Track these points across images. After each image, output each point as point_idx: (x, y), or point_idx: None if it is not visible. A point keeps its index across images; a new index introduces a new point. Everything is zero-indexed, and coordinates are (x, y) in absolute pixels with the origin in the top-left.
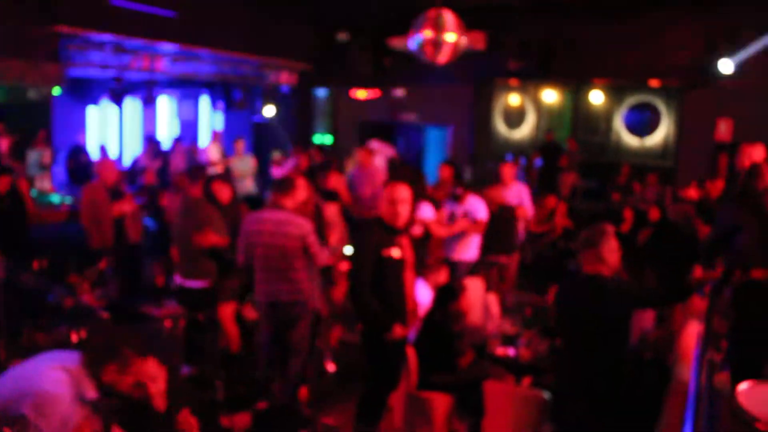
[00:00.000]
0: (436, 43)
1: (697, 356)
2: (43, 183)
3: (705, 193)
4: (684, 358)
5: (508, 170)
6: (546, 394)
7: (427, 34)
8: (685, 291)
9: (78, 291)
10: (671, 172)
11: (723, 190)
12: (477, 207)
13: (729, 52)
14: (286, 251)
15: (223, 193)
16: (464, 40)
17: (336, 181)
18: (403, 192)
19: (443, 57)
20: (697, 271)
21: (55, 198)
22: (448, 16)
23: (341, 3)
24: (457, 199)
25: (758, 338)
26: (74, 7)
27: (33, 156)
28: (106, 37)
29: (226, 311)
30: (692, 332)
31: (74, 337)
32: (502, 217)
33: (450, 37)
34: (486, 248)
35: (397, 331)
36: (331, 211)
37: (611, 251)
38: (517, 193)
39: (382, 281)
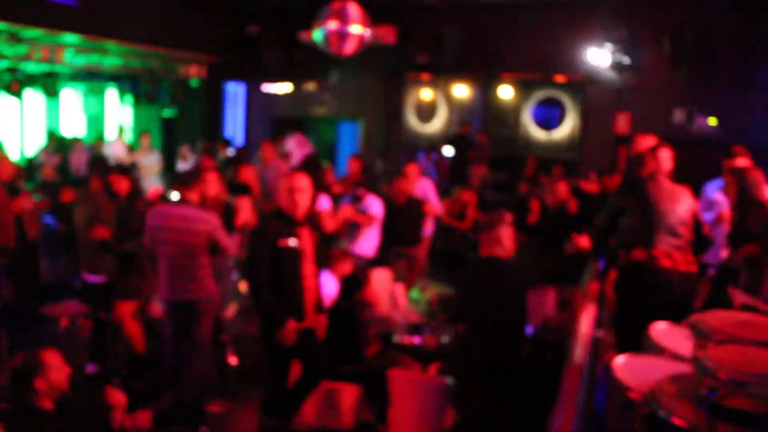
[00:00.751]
0: (341, 35)
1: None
2: None
3: (603, 186)
4: (580, 339)
5: (412, 168)
6: (450, 381)
7: (332, 25)
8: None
9: None
10: (575, 165)
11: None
12: (372, 204)
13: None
14: (193, 248)
15: (121, 185)
16: (369, 32)
17: (247, 175)
18: (301, 181)
19: (348, 49)
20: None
21: None
22: (353, 8)
23: None
24: (357, 200)
25: (639, 314)
26: None
27: None
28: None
29: (125, 310)
30: (589, 314)
31: None
32: (410, 209)
33: (355, 28)
34: (394, 240)
35: (290, 326)
36: (243, 204)
37: (507, 236)
38: (422, 190)
39: (277, 272)
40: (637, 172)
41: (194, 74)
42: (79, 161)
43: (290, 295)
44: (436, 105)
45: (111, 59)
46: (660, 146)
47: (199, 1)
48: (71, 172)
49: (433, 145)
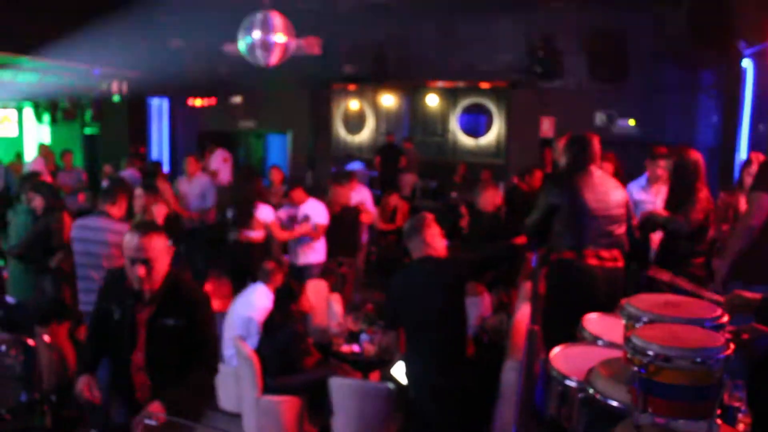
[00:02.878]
0: (266, 45)
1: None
2: None
3: (530, 186)
4: (516, 337)
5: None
6: (392, 386)
7: (256, 35)
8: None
9: None
10: (504, 169)
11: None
12: (317, 211)
13: (544, 55)
14: (104, 260)
15: (35, 202)
16: (294, 42)
17: (162, 187)
18: (153, 244)
19: (273, 58)
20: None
21: None
22: (276, 18)
23: (173, 9)
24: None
25: (568, 309)
26: None
27: None
28: None
29: (60, 332)
30: (525, 313)
31: None
32: (344, 218)
33: (279, 38)
34: (330, 250)
35: (82, 382)
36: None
37: (434, 236)
38: (359, 196)
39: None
40: (568, 162)
41: (116, 90)
42: None
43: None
44: (363, 115)
45: (26, 76)
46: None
47: (118, 15)
48: None
49: (360, 153)
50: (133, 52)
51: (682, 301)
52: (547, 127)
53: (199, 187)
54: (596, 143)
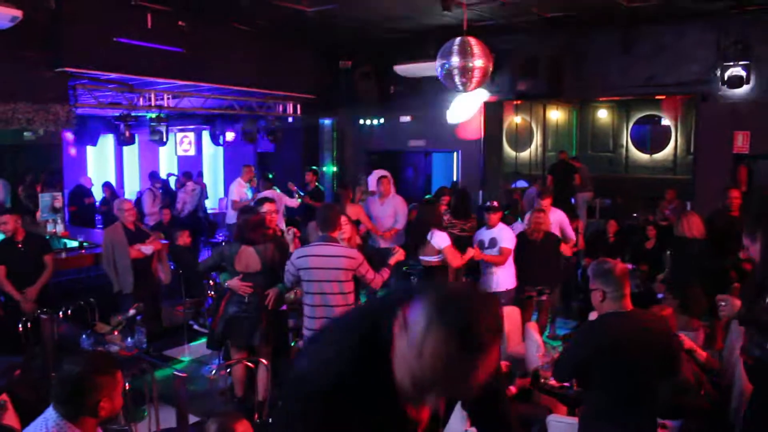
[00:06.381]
0: (465, 71)
1: None
2: (57, 227)
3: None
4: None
5: (547, 200)
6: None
7: (455, 62)
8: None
9: (107, 339)
10: (686, 185)
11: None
12: (504, 236)
13: (739, 65)
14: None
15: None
16: (491, 66)
17: (354, 212)
18: None
19: (473, 85)
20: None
21: (71, 242)
22: (475, 44)
23: (343, 32)
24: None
25: None
26: (81, 47)
27: (46, 199)
28: (113, 75)
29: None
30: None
31: None
32: (547, 245)
33: (478, 62)
34: (530, 279)
35: None
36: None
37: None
38: (556, 220)
39: None
40: None
41: (290, 112)
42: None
43: None
44: (530, 131)
45: (210, 101)
46: None
47: (292, 40)
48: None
49: (528, 170)
50: (308, 76)
51: None
52: (741, 142)
53: (391, 207)
54: None
